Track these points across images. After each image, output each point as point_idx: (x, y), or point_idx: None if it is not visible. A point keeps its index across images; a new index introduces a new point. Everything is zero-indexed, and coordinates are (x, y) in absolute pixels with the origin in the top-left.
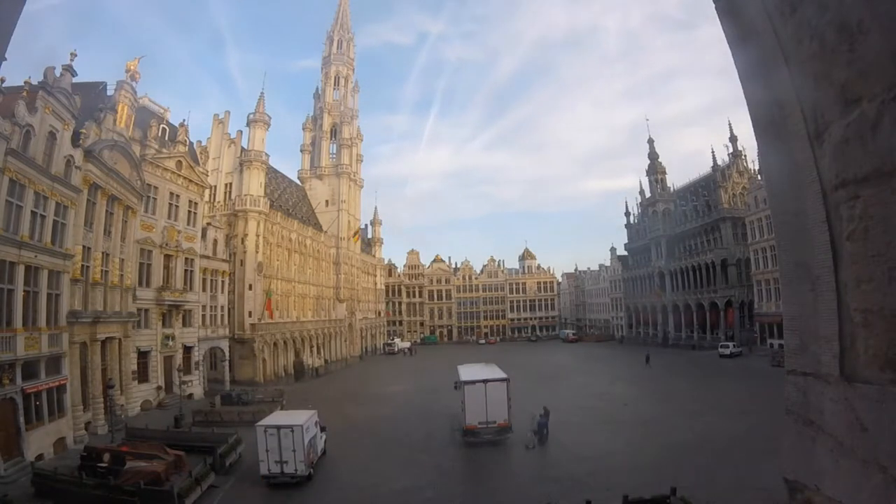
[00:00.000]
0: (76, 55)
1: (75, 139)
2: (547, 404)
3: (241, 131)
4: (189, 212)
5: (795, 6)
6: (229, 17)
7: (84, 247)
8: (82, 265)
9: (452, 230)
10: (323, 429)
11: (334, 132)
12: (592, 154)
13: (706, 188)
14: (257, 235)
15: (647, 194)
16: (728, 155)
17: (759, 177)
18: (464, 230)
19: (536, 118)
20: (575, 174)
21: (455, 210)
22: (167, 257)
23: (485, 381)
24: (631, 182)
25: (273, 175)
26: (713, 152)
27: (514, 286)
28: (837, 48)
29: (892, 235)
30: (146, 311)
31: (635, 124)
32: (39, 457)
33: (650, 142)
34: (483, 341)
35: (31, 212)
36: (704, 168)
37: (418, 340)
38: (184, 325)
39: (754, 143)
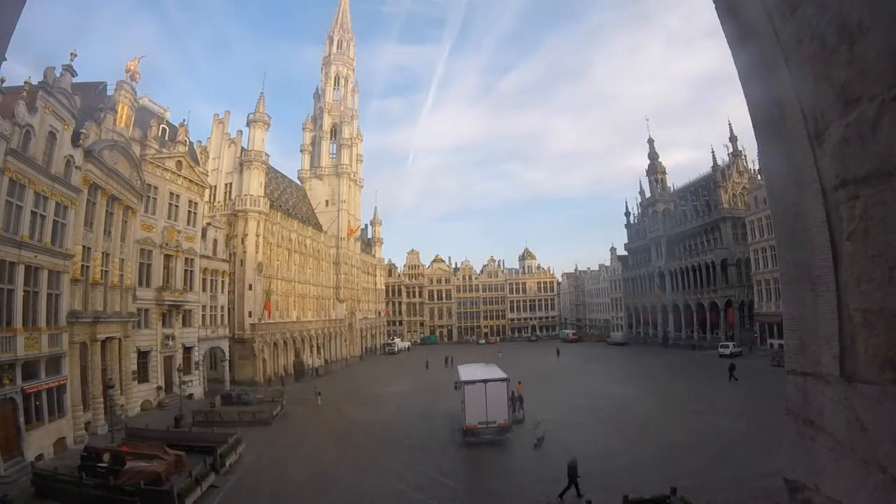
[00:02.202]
0: (76, 55)
1: (75, 139)
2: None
3: (241, 131)
4: (189, 212)
5: (795, 6)
6: (229, 16)
7: (84, 247)
8: (82, 265)
9: (465, 220)
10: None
11: (334, 132)
12: (642, 119)
13: (706, 188)
14: (257, 235)
15: (647, 194)
16: (728, 155)
17: (759, 177)
18: (479, 221)
19: (582, 65)
20: (619, 146)
21: (470, 196)
22: (167, 257)
23: (485, 381)
24: (683, 157)
25: (273, 175)
26: (713, 152)
27: (514, 286)
28: (837, 48)
29: (892, 235)
30: (146, 311)
31: (710, 75)
32: (39, 457)
33: (650, 142)
34: (483, 341)
35: (31, 212)
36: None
37: (418, 340)
38: (184, 325)
39: (754, 143)
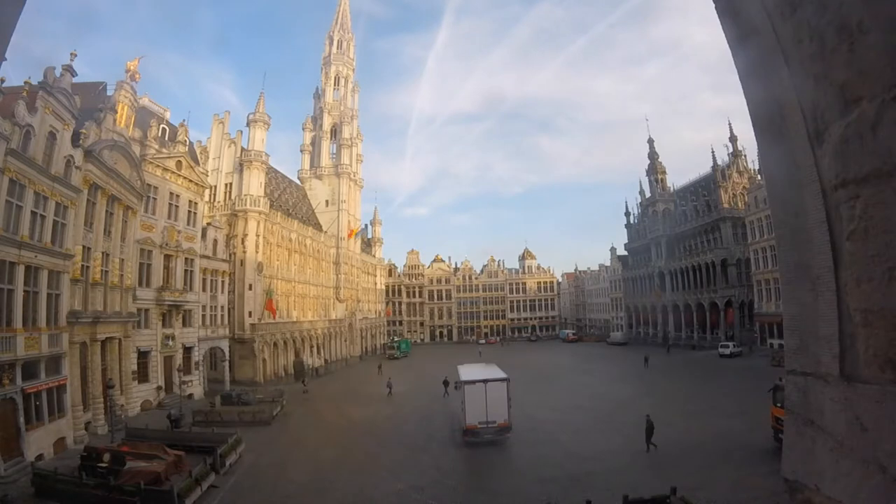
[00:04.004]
0: (76, 55)
1: (75, 139)
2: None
3: (241, 131)
4: (189, 212)
5: (795, 6)
6: (229, 17)
7: (84, 247)
8: (82, 265)
9: (481, 208)
10: None
11: (334, 132)
12: (707, 73)
13: (706, 188)
14: (257, 235)
15: (647, 194)
16: (728, 155)
17: (759, 177)
18: (497, 209)
19: None
20: (673, 110)
21: (490, 181)
22: (167, 257)
23: (485, 381)
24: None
25: (273, 175)
26: (713, 152)
27: (514, 286)
28: (837, 48)
29: (892, 235)
30: (146, 311)
31: None
32: (39, 457)
33: (650, 142)
34: (483, 341)
35: (31, 212)
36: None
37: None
38: (184, 325)
39: (754, 143)
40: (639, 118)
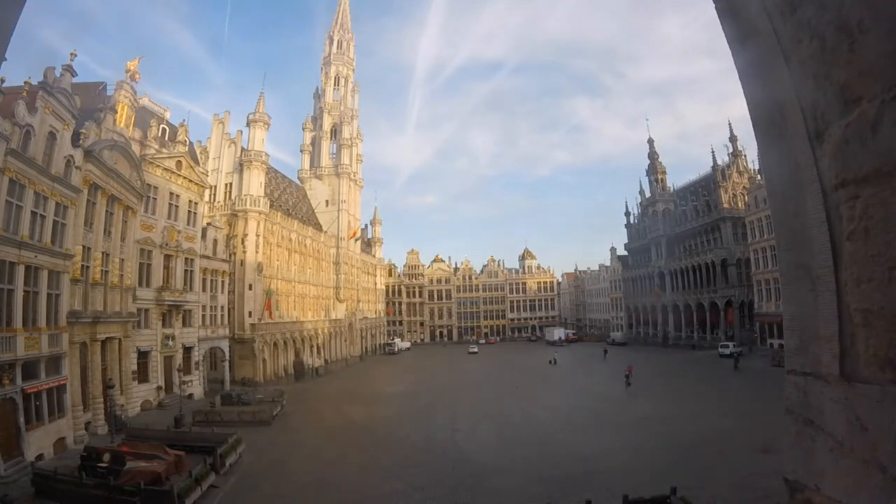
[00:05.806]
0: (76, 55)
1: (75, 139)
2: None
3: (241, 131)
4: (189, 212)
5: (795, 6)
6: (230, 16)
7: (84, 247)
8: (82, 265)
9: (502, 195)
10: None
11: (334, 132)
12: None
13: (706, 188)
14: (257, 235)
15: (647, 194)
16: (728, 155)
17: (759, 177)
18: (521, 197)
19: None
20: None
21: (513, 160)
22: (167, 257)
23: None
24: None
25: (273, 175)
26: (713, 152)
27: (514, 286)
28: (837, 48)
29: (892, 235)
30: (146, 311)
31: None
32: (39, 457)
33: (650, 142)
34: (483, 341)
35: (31, 212)
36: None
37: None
38: (184, 325)
39: (754, 143)
40: (703, 76)
